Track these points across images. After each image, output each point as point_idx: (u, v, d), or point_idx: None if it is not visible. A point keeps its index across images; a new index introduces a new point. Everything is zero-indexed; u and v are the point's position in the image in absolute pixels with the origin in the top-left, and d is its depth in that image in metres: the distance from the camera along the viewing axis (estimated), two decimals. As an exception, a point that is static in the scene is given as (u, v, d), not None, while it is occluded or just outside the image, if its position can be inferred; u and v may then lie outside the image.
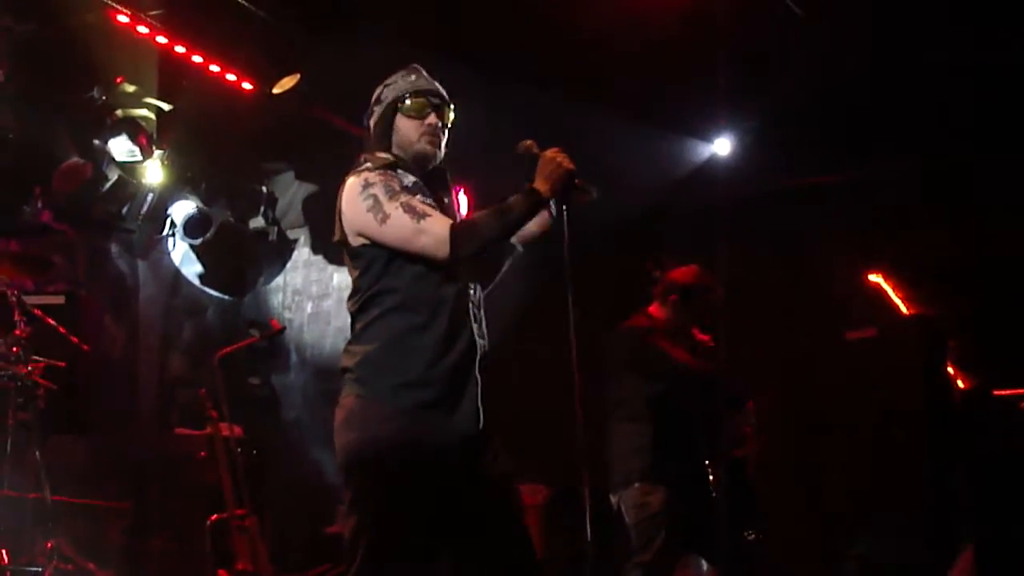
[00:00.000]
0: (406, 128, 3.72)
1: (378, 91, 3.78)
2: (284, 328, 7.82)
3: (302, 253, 9.34)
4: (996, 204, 7.12)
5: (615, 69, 7.05)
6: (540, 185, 3.58)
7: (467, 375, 3.56)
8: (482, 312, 3.72)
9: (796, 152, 7.57)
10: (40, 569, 5.57)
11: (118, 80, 7.03)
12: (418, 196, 3.55)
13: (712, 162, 8.04)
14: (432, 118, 3.73)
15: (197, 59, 6.90)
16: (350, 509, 3.49)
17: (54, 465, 6.03)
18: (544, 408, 5.76)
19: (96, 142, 7.39)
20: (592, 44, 6.83)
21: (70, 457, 6.81)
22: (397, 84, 3.75)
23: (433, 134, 3.72)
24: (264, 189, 8.92)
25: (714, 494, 5.61)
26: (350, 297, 3.68)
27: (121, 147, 7.30)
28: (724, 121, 7.78)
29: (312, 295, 9.33)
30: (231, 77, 7.06)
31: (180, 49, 6.80)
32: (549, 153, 3.64)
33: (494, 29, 6.75)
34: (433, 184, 3.73)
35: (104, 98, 7.05)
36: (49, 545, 5.62)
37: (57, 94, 7.05)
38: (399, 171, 3.63)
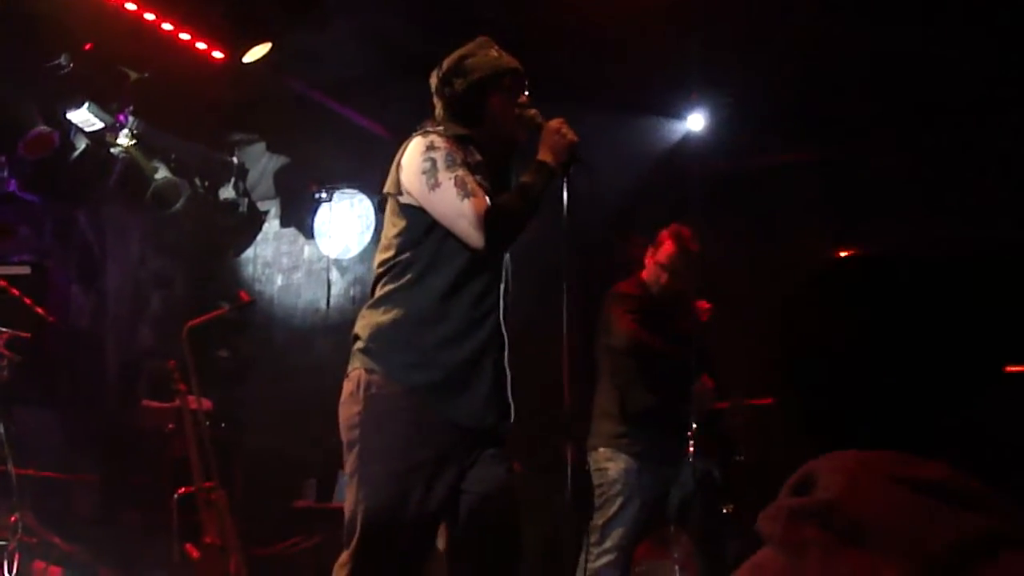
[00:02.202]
0: (501, 106, 3.65)
1: (452, 63, 3.66)
2: (254, 300, 7.74)
3: (273, 225, 9.26)
4: (970, 183, 7.12)
5: (585, 49, 7.00)
6: (546, 156, 3.55)
7: (486, 363, 3.52)
8: (509, 300, 3.66)
9: (770, 129, 7.54)
10: (4, 543, 5.52)
11: (86, 47, 6.91)
12: (477, 176, 3.49)
13: (686, 139, 8.00)
14: (524, 98, 3.69)
15: (167, 27, 6.79)
16: (350, 482, 3.47)
17: (20, 437, 5.96)
18: (530, 379, 5.74)
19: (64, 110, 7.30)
20: (560, 26, 6.77)
21: (36, 429, 6.74)
22: (481, 58, 3.66)
23: (524, 112, 3.67)
24: (235, 160, 8.83)
25: (693, 466, 5.59)
26: (380, 253, 3.62)
27: (85, 116, 7.20)
28: (697, 96, 7.73)
29: (283, 267, 9.27)
30: (201, 46, 6.96)
31: (150, 16, 6.69)
32: (553, 123, 3.61)
33: (463, 11, 6.68)
34: (498, 166, 3.68)
35: (72, 65, 6.92)
36: (13, 519, 5.56)
37: (23, 61, 6.93)
38: (469, 147, 3.59)
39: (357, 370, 3.51)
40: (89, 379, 8.02)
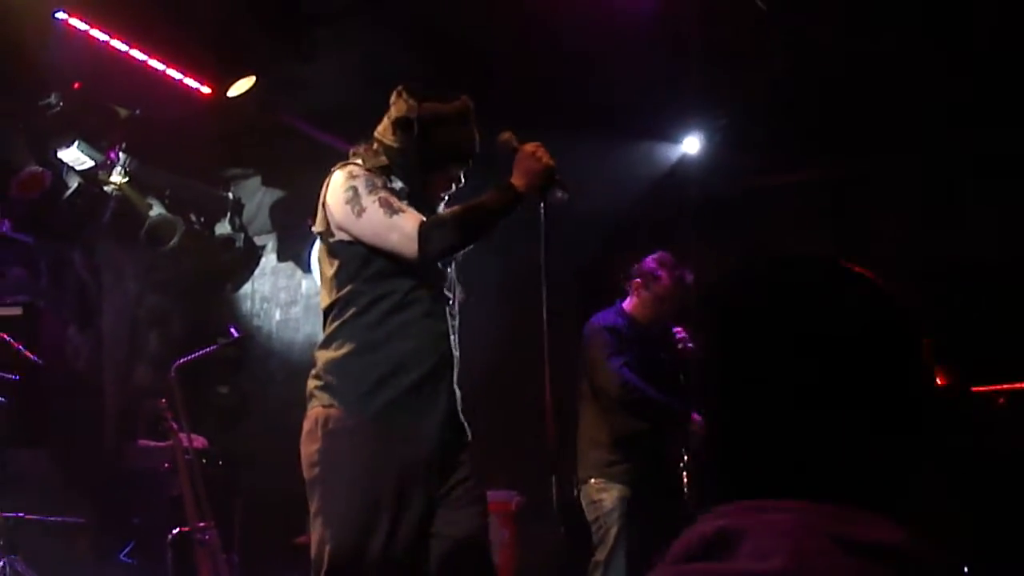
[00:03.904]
0: (441, 180, 3.65)
1: (432, 119, 3.55)
2: (243, 335, 7.63)
3: (270, 260, 9.20)
4: (970, 202, 7.05)
5: (580, 75, 6.95)
6: (517, 180, 3.50)
7: (440, 385, 3.49)
8: (458, 320, 3.64)
9: (767, 149, 7.49)
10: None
11: (75, 86, 6.88)
12: (403, 201, 3.48)
13: (682, 162, 7.96)
14: (461, 181, 3.68)
15: (156, 64, 6.76)
16: (314, 521, 3.42)
17: (13, 480, 5.91)
18: (518, 414, 5.65)
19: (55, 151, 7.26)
20: (554, 53, 6.73)
21: (30, 472, 6.67)
22: (455, 133, 3.59)
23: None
24: (230, 195, 8.79)
25: (685, 495, 5.49)
26: (323, 297, 3.62)
27: (75, 155, 7.16)
28: (693, 119, 7.69)
29: (280, 302, 9.20)
30: (191, 82, 6.93)
31: (138, 54, 6.66)
32: (528, 147, 3.56)
33: (455, 37, 6.64)
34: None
35: (61, 104, 6.90)
36: (0, 563, 5.48)
37: (12, 101, 6.90)
38: (391, 176, 3.57)
39: (315, 408, 3.49)
40: (86, 420, 7.95)
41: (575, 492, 5.45)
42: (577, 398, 5.59)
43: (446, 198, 3.71)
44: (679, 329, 5.63)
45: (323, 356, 3.53)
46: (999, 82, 6.56)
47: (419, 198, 3.59)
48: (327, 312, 3.57)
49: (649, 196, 7.96)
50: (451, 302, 3.63)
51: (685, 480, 5.41)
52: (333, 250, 3.55)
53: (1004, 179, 6.82)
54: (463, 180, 3.70)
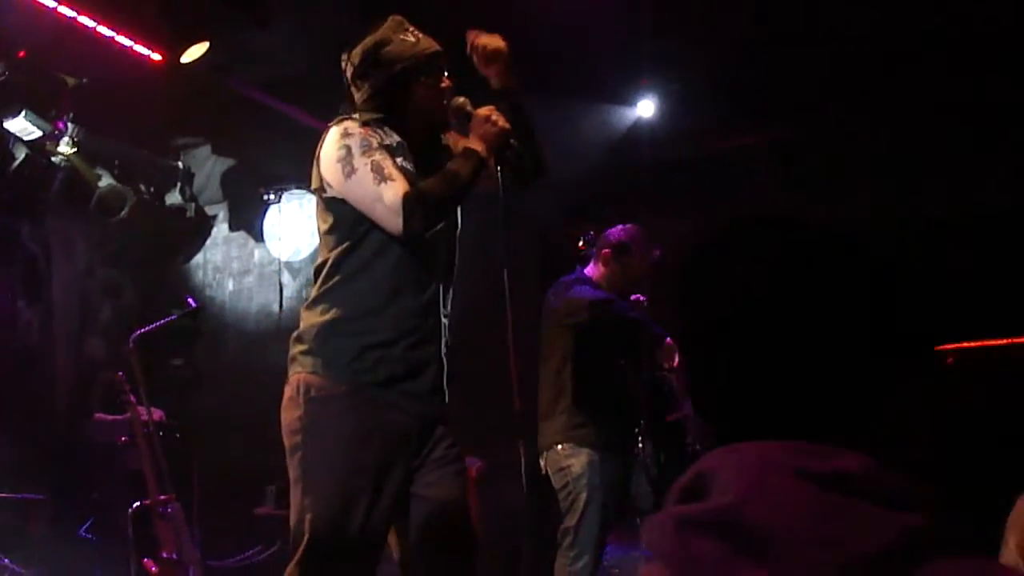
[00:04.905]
0: (425, 92, 3.56)
1: (368, 52, 3.54)
2: (201, 306, 7.56)
3: (221, 229, 9.12)
4: (922, 165, 7.09)
5: (533, 37, 6.89)
6: (476, 145, 3.48)
7: (428, 354, 3.45)
8: (452, 289, 3.59)
9: (721, 113, 7.48)
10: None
11: (20, 54, 6.74)
12: (398, 158, 3.42)
13: (637, 126, 7.94)
14: (446, 80, 3.60)
15: (104, 31, 6.62)
16: (294, 490, 3.37)
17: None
18: (479, 378, 5.63)
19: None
20: (507, 15, 6.67)
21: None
22: (399, 45, 3.53)
23: (452, 101, 3.59)
24: (180, 164, 8.68)
25: (646, 460, 5.49)
26: (319, 252, 3.56)
27: (22, 126, 7.02)
28: (647, 82, 7.66)
29: (233, 272, 9.13)
30: (141, 49, 6.80)
31: (85, 20, 6.52)
32: (483, 111, 3.54)
33: (410, 4, 6.56)
34: (425, 147, 3.60)
35: (6, 73, 6.75)
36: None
37: (-45, 71, 6.76)
38: (385, 128, 3.50)
39: (297, 374, 3.44)
40: (40, 394, 7.84)
41: (540, 459, 5.40)
42: (539, 363, 5.55)
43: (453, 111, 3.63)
44: (636, 295, 5.62)
45: (308, 318, 3.47)
46: (952, 39, 6.58)
47: (418, 139, 3.56)
48: (318, 271, 3.52)
49: (604, 159, 7.94)
50: (448, 265, 3.58)
51: (640, 440, 5.41)
52: (327, 205, 3.50)
53: (957, 137, 6.87)
54: (447, 74, 3.60)
